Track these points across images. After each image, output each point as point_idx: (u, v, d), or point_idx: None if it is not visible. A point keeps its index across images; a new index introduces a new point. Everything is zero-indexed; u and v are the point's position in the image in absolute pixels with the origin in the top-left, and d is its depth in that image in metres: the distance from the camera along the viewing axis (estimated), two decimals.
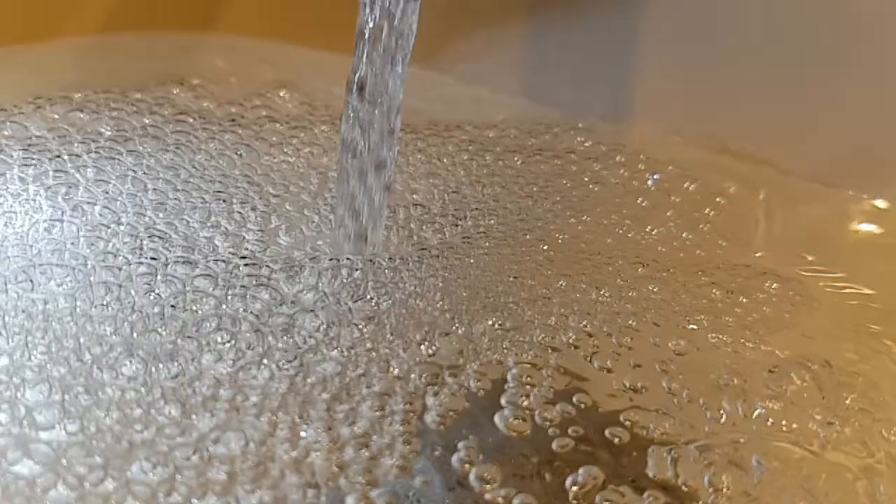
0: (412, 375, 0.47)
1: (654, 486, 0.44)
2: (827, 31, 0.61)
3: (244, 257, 0.53)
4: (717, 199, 0.61)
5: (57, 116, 0.61)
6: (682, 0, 0.63)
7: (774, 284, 0.55)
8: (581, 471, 0.44)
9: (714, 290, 0.54)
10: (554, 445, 0.45)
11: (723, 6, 0.63)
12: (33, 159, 0.57)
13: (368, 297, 0.51)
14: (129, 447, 0.43)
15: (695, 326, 0.52)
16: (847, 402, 0.48)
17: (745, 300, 0.53)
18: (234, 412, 0.45)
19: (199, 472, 0.42)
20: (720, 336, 0.51)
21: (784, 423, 0.47)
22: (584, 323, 0.51)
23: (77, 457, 0.42)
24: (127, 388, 0.45)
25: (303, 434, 0.44)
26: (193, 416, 0.44)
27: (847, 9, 0.60)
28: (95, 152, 0.59)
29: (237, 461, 0.43)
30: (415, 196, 0.59)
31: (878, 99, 0.61)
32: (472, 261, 0.54)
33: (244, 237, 0.54)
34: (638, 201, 0.60)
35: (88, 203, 0.55)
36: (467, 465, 0.44)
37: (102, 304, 0.49)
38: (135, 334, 0.47)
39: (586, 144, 0.64)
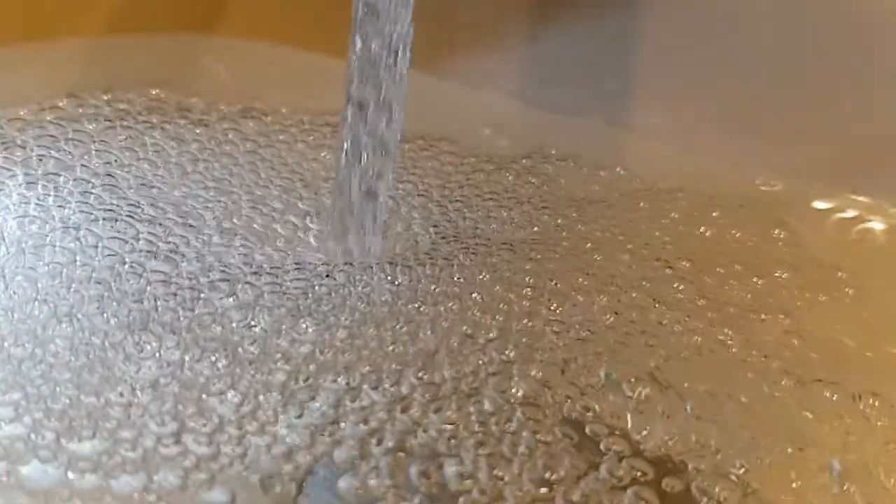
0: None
1: None
2: (827, 32, 0.61)
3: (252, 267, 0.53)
4: (718, 202, 0.61)
5: (57, 117, 0.61)
6: (682, 4, 0.63)
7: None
8: None
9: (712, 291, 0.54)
10: None
11: (723, 10, 0.63)
12: (34, 159, 0.58)
13: (366, 303, 0.51)
14: None
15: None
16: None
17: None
18: None
19: None
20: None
21: None
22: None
23: None
24: None
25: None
26: None
27: (847, 10, 0.60)
28: (95, 152, 0.59)
29: None
30: (414, 202, 0.59)
31: (879, 100, 0.61)
32: (471, 268, 0.54)
33: (241, 240, 0.55)
34: (640, 205, 0.60)
35: (88, 202, 0.55)
36: None
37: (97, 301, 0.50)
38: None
39: (588, 148, 0.64)
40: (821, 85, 0.62)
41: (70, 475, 0.42)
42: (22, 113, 0.60)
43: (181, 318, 0.49)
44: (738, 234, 0.58)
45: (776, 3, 0.62)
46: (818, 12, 0.61)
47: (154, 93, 0.64)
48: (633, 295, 0.53)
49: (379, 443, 0.45)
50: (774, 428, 0.47)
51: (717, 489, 0.44)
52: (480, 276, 0.53)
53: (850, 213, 0.61)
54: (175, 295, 0.50)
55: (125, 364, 0.47)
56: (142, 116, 0.62)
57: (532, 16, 0.66)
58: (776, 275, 0.56)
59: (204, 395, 0.46)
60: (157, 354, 0.47)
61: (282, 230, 0.56)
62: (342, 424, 0.45)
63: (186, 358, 0.47)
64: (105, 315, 0.49)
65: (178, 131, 0.61)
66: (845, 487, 0.45)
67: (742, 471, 0.45)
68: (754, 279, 0.55)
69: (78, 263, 0.51)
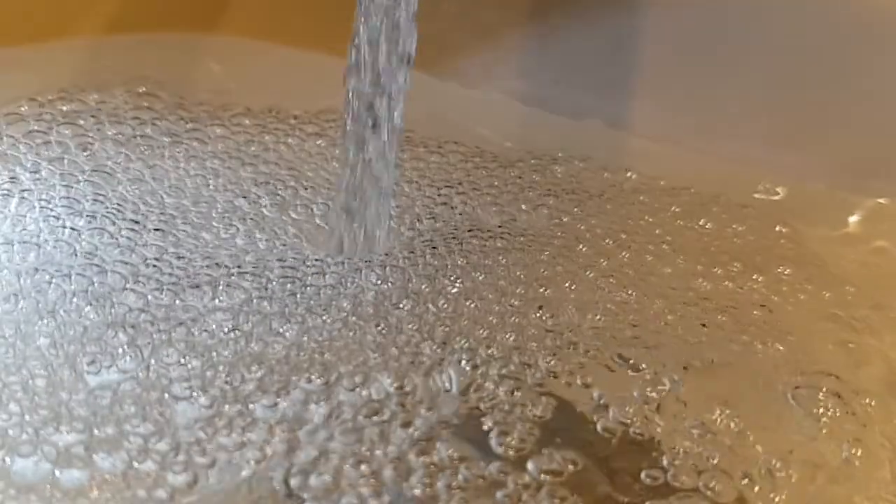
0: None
1: None
2: (829, 34, 0.61)
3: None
4: (716, 204, 0.60)
5: (53, 114, 0.61)
6: (685, 6, 0.63)
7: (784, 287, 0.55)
8: None
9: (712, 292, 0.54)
10: None
11: (725, 12, 0.62)
12: (32, 159, 0.58)
13: (366, 299, 0.51)
14: None
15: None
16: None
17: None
18: None
19: None
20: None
21: None
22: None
23: None
24: None
25: None
26: None
27: (847, 13, 0.60)
28: (89, 151, 0.59)
29: None
30: (413, 202, 0.59)
31: (881, 101, 0.60)
32: (467, 268, 0.54)
33: (233, 238, 0.55)
34: (642, 199, 0.60)
35: (87, 200, 0.55)
36: None
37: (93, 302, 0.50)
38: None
39: (588, 149, 0.64)
40: (824, 86, 0.62)
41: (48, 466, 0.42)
42: (21, 110, 0.61)
43: (167, 316, 0.49)
44: (740, 229, 0.58)
45: (778, 4, 0.62)
46: (821, 14, 0.61)
47: (153, 92, 0.64)
48: (630, 292, 0.53)
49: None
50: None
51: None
52: (475, 275, 0.53)
53: (853, 214, 0.60)
54: (160, 291, 0.50)
55: (102, 361, 0.47)
56: (140, 115, 0.62)
57: (532, 16, 0.66)
58: (777, 270, 0.55)
59: (166, 396, 0.46)
60: (139, 352, 0.47)
61: (278, 229, 0.56)
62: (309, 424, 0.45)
63: (169, 355, 0.47)
64: (87, 311, 0.49)
65: (175, 130, 0.61)
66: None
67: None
68: (754, 276, 0.55)
69: (60, 259, 0.51)
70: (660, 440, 0.46)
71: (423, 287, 0.52)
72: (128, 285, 0.50)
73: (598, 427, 0.46)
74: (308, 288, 0.51)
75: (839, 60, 0.61)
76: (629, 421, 0.46)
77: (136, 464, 0.43)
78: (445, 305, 0.51)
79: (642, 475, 0.44)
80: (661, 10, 0.64)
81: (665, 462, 0.45)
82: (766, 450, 0.46)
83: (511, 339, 0.50)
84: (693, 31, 0.63)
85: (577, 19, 0.65)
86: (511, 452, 0.45)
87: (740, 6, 0.62)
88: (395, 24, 0.50)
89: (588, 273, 0.54)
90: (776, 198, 0.61)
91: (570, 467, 0.44)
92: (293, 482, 0.43)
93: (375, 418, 0.45)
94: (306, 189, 0.59)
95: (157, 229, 0.54)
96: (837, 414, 0.47)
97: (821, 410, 0.48)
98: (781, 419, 0.47)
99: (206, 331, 0.48)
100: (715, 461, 0.45)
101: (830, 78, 0.61)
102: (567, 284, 0.53)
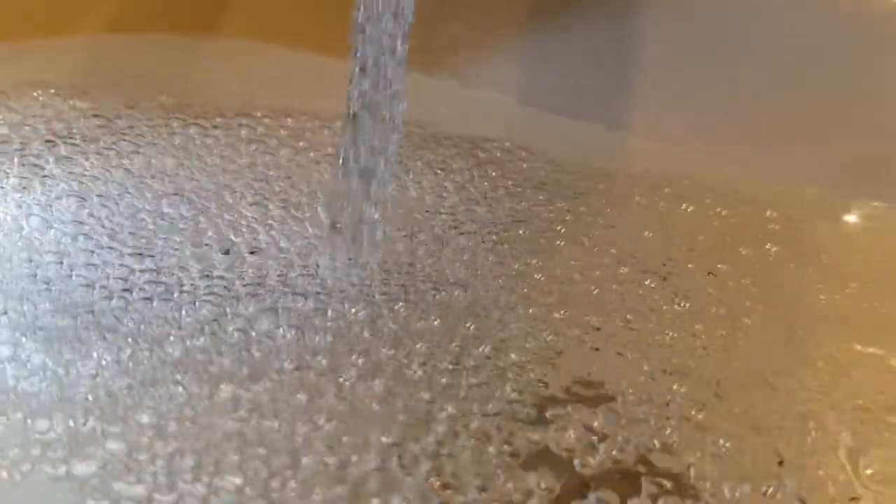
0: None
1: None
2: (827, 35, 0.61)
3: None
4: (715, 203, 0.60)
5: (50, 113, 0.61)
6: (685, 6, 0.63)
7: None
8: None
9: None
10: None
11: (725, 12, 0.62)
12: (32, 157, 0.58)
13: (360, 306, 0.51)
14: None
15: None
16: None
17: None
18: None
19: None
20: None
21: None
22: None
23: None
24: None
25: None
26: None
27: (847, 13, 0.60)
28: (87, 151, 0.59)
29: None
30: (414, 202, 0.59)
31: (879, 102, 0.61)
32: (465, 274, 0.54)
33: (242, 240, 0.55)
34: (637, 199, 0.60)
35: (76, 200, 0.56)
36: None
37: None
38: None
39: (589, 150, 0.64)
40: (824, 86, 0.62)
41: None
42: (18, 108, 0.61)
43: (150, 321, 0.49)
44: (738, 228, 0.58)
45: (778, 4, 0.62)
46: (821, 14, 0.61)
47: (153, 92, 0.64)
48: (629, 288, 0.54)
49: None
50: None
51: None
52: (473, 277, 0.53)
53: (852, 214, 0.61)
54: (151, 292, 0.50)
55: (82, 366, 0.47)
56: (137, 114, 0.62)
57: (532, 16, 0.66)
58: (776, 270, 0.56)
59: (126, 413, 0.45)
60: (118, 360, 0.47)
61: (274, 230, 0.56)
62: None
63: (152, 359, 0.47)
64: (72, 316, 0.49)
65: (174, 130, 0.61)
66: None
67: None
68: (752, 276, 0.55)
69: (50, 258, 0.52)
70: (655, 434, 0.46)
71: (420, 291, 0.52)
72: (117, 291, 0.50)
73: (595, 425, 0.46)
74: (302, 292, 0.51)
75: (839, 60, 0.61)
76: (626, 417, 0.47)
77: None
78: (442, 308, 0.51)
79: (637, 474, 0.44)
80: (661, 10, 0.64)
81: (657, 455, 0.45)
82: (763, 445, 0.46)
83: (506, 337, 0.50)
84: (693, 31, 0.63)
85: (577, 19, 0.65)
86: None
87: (740, 6, 0.62)
88: (395, 17, 0.50)
89: (587, 271, 0.54)
90: (776, 197, 0.61)
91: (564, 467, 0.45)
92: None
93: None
94: (303, 190, 0.59)
95: (141, 228, 0.54)
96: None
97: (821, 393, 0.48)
98: (780, 410, 0.47)
99: (196, 338, 0.49)
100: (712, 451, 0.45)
101: (830, 78, 0.61)
102: (565, 285, 0.53)
